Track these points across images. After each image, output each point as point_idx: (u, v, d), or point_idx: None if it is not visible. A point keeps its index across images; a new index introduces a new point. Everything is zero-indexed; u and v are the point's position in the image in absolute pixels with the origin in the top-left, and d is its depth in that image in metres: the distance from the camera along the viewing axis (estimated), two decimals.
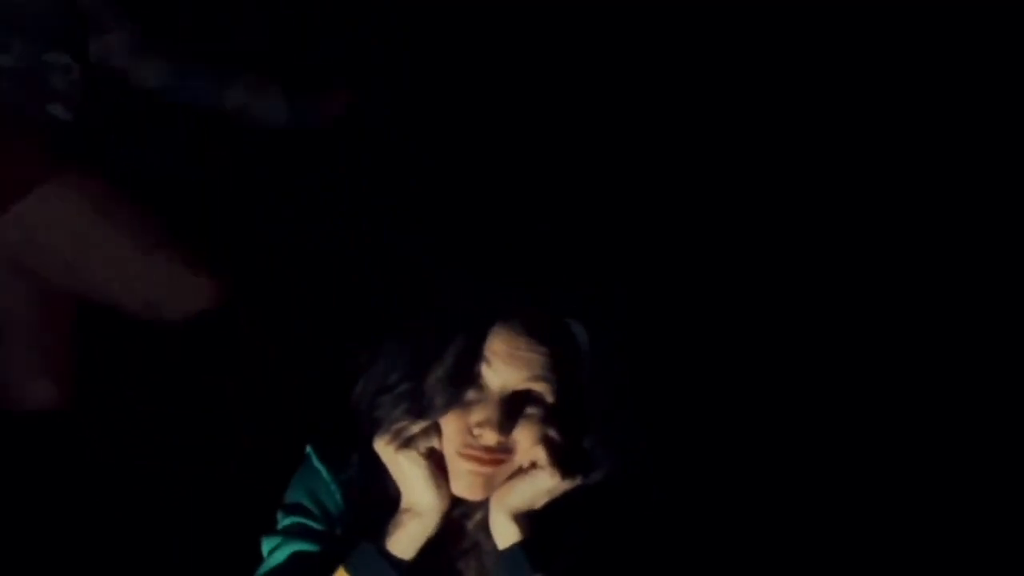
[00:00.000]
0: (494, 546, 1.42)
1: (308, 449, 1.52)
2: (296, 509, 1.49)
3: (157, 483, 2.46)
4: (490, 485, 1.40)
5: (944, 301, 2.72)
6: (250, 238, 2.69)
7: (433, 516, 1.40)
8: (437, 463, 1.41)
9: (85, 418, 2.49)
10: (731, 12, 2.82)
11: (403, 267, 2.49)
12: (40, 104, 2.28)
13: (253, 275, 2.66)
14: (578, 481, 1.40)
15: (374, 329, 1.48)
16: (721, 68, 2.85)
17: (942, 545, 2.40)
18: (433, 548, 1.42)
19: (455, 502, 1.42)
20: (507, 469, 1.40)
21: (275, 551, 1.47)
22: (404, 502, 1.41)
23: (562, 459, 1.39)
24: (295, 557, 1.46)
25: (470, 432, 1.38)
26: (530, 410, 1.39)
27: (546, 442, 1.38)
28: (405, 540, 1.40)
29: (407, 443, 1.40)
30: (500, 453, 1.39)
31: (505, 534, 1.40)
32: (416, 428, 1.40)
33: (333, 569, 1.41)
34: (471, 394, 1.39)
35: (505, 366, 1.38)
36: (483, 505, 1.42)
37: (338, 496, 1.49)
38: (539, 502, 1.40)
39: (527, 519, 1.40)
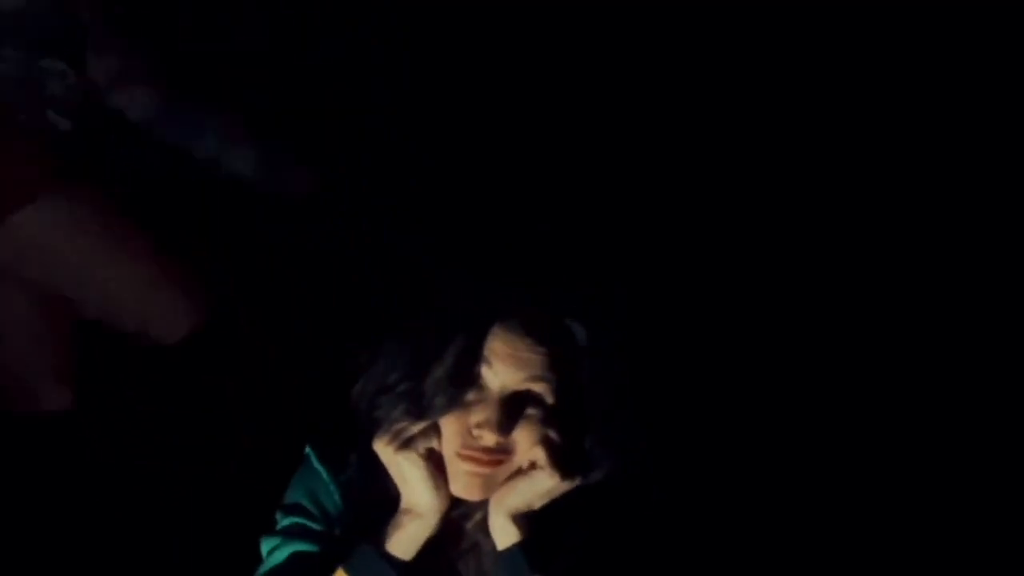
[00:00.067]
0: (493, 547, 1.42)
1: (308, 450, 1.52)
2: (296, 509, 1.49)
3: (157, 483, 2.46)
4: (489, 486, 1.40)
5: (944, 301, 2.71)
6: (250, 238, 2.69)
7: (432, 517, 1.40)
8: (436, 464, 1.41)
9: (85, 418, 2.49)
10: (730, 12, 2.82)
11: (403, 267, 2.49)
12: (37, 110, 2.28)
13: (253, 275, 2.66)
14: (577, 482, 1.40)
15: (374, 329, 1.48)
16: (720, 68, 2.85)
17: (942, 545, 2.40)
18: (432, 549, 1.42)
19: (454, 503, 1.42)
20: (506, 470, 1.40)
21: (274, 551, 1.47)
22: (403, 503, 1.41)
23: (562, 460, 1.39)
24: (294, 557, 1.46)
25: (469, 433, 1.38)
26: (530, 411, 1.39)
27: (545, 443, 1.38)
28: (404, 541, 1.40)
29: (406, 444, 1.40)
30: (499, 454, 1.38)
31: (504, 535, 1.40)
32: (415, 429, 1.40)
33: (332, 570, 1.41)
34: (470, 395, 1.38)
35: (505, 366, 1.37)
36: (482, 506, 1.42)
37: (337, 497, 1.49)
38: (538, 503, 1.40)
39: (526, 520, 1.40)
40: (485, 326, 1.38)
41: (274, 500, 1.53)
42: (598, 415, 1.42)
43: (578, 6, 2.81)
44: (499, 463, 1.39)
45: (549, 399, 1.39)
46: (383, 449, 1.41)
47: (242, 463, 2.52)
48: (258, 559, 1.50)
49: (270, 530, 1.50)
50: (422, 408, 1.40)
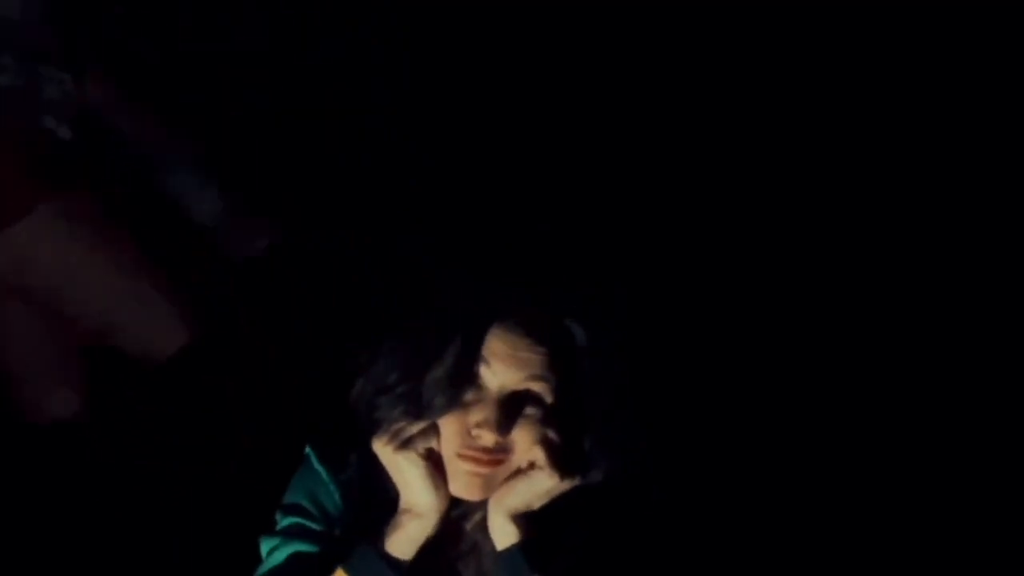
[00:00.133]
0: (493, 547, 1.42)
1: (308, 450, 1.53)
2: (295, 510, 1.49)
3: (157, 483, 2.46)
4: (489, 486, 1.40)
5: (944, 301, 2.71)
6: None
7: (432, 517, 1.40)
8: (436, 464, 1.41)
9: (85, 418, 2.49)
10: (730, 12, 2.82)
11: (403, 267, 2.49)
12: (34, 116, 2.28)
13: (253, 276, 2.66)
14: (577, 481, 1.40)
15: (374, 329, 1.48)
16: (720, 69, 2.85)
17: (942, 545, 2.40)
18: (432, 549, 1.42)
19: (454, 503, 1.42)
20: (506, 470, 1.40)
21: (274, 552, 1.48)
22: (403, 503, 1.41)
23: (561, 459, 1.39)
24: (294, 558, 1.46)
25: (469, 433, 1.38)
26: (529, 410, 1.39)
27: (545, 442, 1.38)
28: (404, 541, 1.40)
29: (406, 444, 1.40)
30: (499, 454, 1.39)
31: (504, 535, 1.40)
32: (415, 429, 1.40)
33: (332, 570, 1.41)
34: (470, 395, 1.39)
35: (504, 366, 1.38)
36: (482, 506, 1.42)
37: (337, 497, 1.49)
38: (538, 503, 1.40)
39: (526, 520, 1.40)
40: (484, 326, 1.38)
41: (274, 500, 1.53)
42: (597, 415, 1.42)
43: (577, 6, 2.81)
44: (498, 463, 1.39)
45: (548, 399, 1.39)
46: (382, 449, 1.41)
47: (242, 463, 2.52)
48: (258, 559, 1.50)
49: (270, 530, 1.50)
50: (421, 408, 1.40)
